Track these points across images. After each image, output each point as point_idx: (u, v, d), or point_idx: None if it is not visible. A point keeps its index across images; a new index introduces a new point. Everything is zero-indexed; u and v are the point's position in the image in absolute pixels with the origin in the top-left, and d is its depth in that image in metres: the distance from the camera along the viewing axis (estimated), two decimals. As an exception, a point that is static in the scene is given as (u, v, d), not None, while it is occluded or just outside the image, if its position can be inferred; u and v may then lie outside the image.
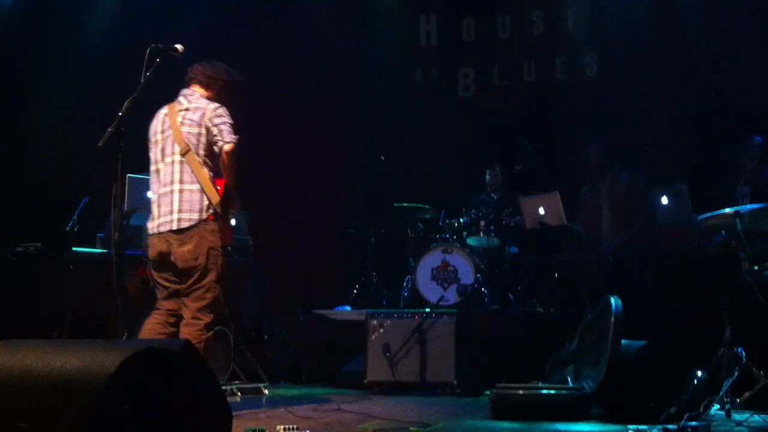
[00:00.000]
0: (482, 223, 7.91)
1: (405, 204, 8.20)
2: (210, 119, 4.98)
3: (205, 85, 5.18)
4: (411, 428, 4.55)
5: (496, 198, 8.35)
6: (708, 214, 5.38)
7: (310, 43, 9.72)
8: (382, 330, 6.85)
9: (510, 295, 7.61)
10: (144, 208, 5.65)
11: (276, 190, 9.01)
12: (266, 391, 6.53)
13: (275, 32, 9.72)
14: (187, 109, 5.05)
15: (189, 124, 4.99)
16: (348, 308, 8.06)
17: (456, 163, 8.90)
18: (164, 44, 4.79)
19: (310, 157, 9.47)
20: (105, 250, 6.34)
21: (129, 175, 6.22)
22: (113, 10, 9.35)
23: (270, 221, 8.30)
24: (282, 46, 9.67)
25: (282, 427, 4.22)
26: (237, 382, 6.48)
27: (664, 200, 6.74)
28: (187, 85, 5.19)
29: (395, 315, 6.89)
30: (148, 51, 4.70)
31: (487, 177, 8.50)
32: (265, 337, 7.60)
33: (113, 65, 8.34)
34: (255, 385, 6.56)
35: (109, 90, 5.90)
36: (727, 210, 5.19)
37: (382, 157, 8.50)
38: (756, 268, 5.23)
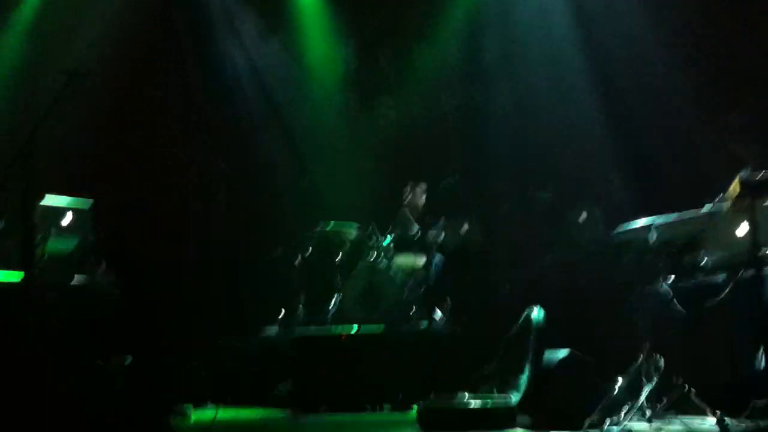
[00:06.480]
0: (408, 241, 8.01)
1: (332, 222, 8.21)
2: None
3: None
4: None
5: (420, 216, 8.43)
6: (623, 228, 5.57)
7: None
8: (308, 351, 6.96)
9: (437, 311, 7.67)
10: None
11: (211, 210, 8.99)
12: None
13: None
14: None
15: None
16: (275, 330, 8.01)
17: (381, 183, 8.96)
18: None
19: (237, 179, 9.48)
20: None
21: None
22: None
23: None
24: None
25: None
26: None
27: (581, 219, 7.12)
28: None
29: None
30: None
31: (411, 196, 8.55)
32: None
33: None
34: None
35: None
36: (641, 223, 5.39)
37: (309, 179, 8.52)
38: (672, 277, 5.45)
